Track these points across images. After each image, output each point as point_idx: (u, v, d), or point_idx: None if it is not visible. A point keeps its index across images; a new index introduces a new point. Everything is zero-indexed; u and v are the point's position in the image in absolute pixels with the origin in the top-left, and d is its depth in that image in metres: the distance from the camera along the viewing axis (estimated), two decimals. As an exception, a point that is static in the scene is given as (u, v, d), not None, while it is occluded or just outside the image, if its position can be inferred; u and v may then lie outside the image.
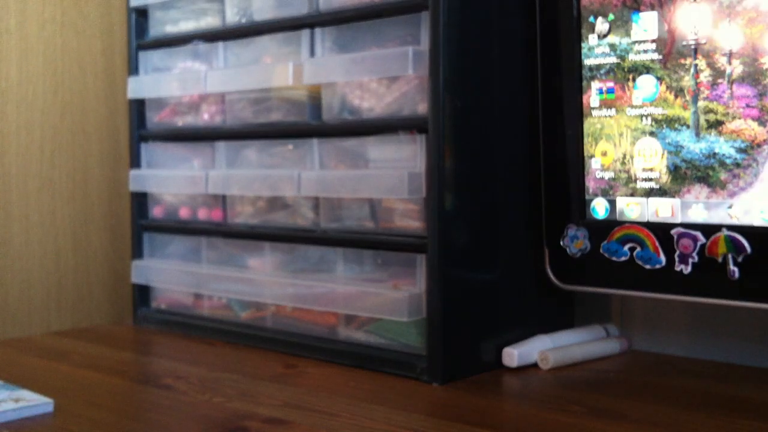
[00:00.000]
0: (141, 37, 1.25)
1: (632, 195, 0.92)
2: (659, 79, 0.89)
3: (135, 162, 1.26)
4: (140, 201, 1.26)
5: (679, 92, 0.88)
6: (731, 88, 0.84)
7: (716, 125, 0.86)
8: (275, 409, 0.82)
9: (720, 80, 0.85)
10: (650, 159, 0.91)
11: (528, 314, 1.02)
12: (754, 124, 0.83)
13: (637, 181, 0.92)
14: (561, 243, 0.97)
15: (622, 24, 0.92)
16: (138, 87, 1.24)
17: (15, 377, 0.92)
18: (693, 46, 0.87)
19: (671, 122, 0.89)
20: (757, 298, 0.84)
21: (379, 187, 0.95)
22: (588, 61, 0.95)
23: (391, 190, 0.94)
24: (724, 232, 0.85)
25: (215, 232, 1.17)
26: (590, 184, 0.96)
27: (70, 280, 1.32)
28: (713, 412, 0.80)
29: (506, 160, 0.98)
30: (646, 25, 0.90)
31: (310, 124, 1.05)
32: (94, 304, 1.34)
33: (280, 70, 1.05)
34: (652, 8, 0.90)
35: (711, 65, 0.86)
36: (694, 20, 0.86)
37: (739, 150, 0.84)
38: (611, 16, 0.93)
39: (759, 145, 0.83)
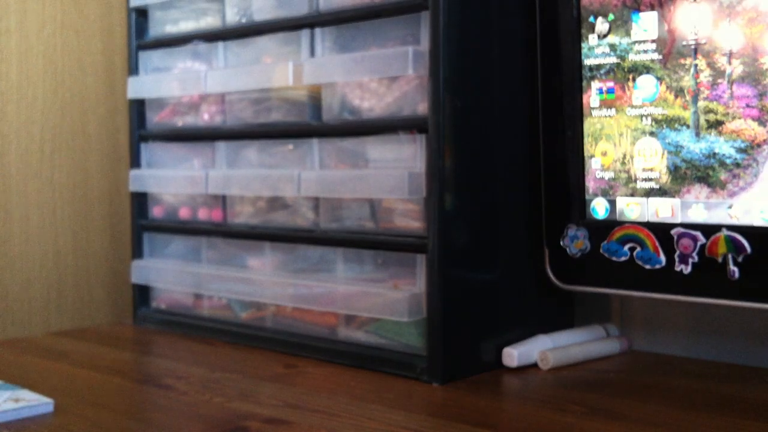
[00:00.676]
0: (141, 37, 1.25)
1: (632, 195, 0.92)
2: (659, 79, 0.89)
3: (135, 162, 1.26)
4: (140, 201, 1.26)
5: (679, 92, 0.88)
6: (731, 88, 0.84)
7: (716, 125, 0.86)
8: (275, 409, 0.82)
9: (720, 80, 0.85)
10: (650, 159, 0.91)
11: (528, 314, 1.02)
12: (754, 124, 0.83)
13: (637, 181, 0.92)
14: (561, 243, 0.97)
15: (622, 24, 0.92)
16: (138, 87, 1.24)
17: (15, 377, 0.92)
18: (693, 46, 0.87)
19: (671, 122, 0.89)
20: (757, 298, 0.84)
21: (379, 187, 0.95)
22: (588, 61, 0.95)
23: (391, 190, 0.93)
24: (724, 232, 0.85)
25: (215, 232, 1.17)
26: (590, 184, 0.96)
27: (70, 280, 1.32)
28: (714, 413, 0.80)
29: (506, 160, 0.98)
30: (646, 25, 0.90)
31: (310, 124, 1.04)
32: (94, 304, 1.34)
33: (280, 70, 1.05)
34: (652, 8, 0.90)
35: (711, 65, 0.86)
36: (694, 20, 0.86)
37: (739, 150, 0.84)
38: (611, 16, 0.93)
39: (759, 145, 0.83)
